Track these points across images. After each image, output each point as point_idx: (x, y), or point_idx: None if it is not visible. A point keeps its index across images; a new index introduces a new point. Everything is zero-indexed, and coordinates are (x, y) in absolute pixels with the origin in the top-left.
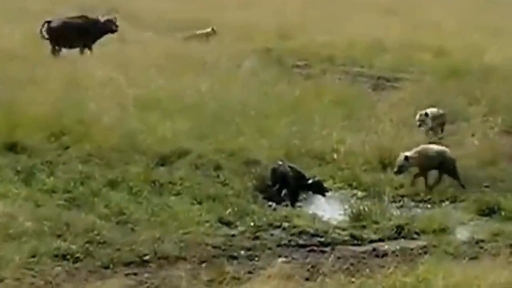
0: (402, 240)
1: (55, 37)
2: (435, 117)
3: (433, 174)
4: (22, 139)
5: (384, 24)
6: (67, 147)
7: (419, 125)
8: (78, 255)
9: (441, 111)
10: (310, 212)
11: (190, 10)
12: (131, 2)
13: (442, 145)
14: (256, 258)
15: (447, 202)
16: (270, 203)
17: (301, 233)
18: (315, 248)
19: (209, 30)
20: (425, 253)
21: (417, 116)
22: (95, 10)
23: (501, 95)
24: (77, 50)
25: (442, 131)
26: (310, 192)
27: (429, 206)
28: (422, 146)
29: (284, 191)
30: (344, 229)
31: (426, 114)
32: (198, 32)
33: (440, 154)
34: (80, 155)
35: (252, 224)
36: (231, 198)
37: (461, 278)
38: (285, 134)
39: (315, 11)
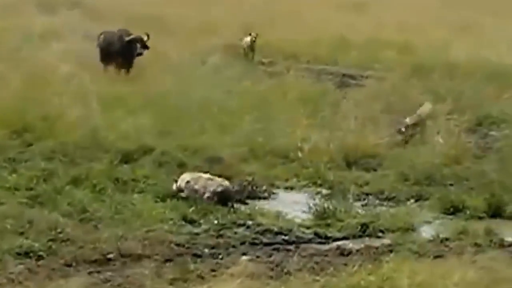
0: (367, 238)
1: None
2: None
3: None
4: None
5: (348, 20)
6: (30, 144)
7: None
8: (41, 253)
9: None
10: (274, 210)
11: (152, 4)
12: None
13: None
14: (220, 256)
15: (412, 200)
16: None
17: (265, 231)
18: (279, 246)
19: (248, 39)
20: (390, 251)
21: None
22: (58, 5)
23: (466, 92)
24: (39, 45)
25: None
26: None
27: (394, 204)
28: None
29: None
30: (308, 227)
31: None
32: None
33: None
34: (43, 152)
35: (216, 222)
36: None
37: (426, 277)
38: (249, 132)
39: (277, 6)
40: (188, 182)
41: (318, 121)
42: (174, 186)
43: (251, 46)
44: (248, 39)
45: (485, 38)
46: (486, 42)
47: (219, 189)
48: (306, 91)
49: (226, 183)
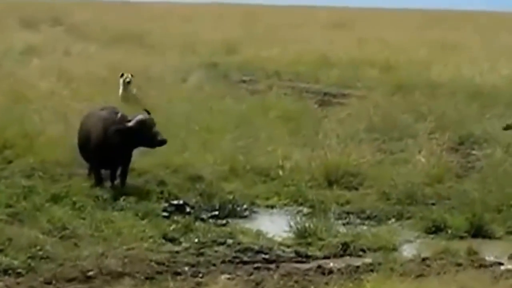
0: (348, 257)
1: None
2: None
3: None
4: None
5: (330, 38)
6: (10, 161)
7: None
8: (20, 270)
9: None
10: (255, 228)
11: (132, 21)
12: (74, 14)
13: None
14: (200, 275)
15: (393, 220)
16: (214, 219)
17: (245, 250)
18: (259, 265)
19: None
20: (371, 270)
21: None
22: (40, 22)
23: (448, 111)
24: (20, 61)
25: None
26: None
27: (375, 223)
28: None
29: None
30: (289, 246)
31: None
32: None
33: None
34: (23, 169)
35: (196, 240)
36: (175, 214)
37: None
38: (230, 150)
39: (258, 24)
40: None
41: (300, 139)
42: None
43: (125, 88)
44: (121, 80)
45: (466, 57)
46: (468, 61)
47: None
48: (288, 109)
49: None
